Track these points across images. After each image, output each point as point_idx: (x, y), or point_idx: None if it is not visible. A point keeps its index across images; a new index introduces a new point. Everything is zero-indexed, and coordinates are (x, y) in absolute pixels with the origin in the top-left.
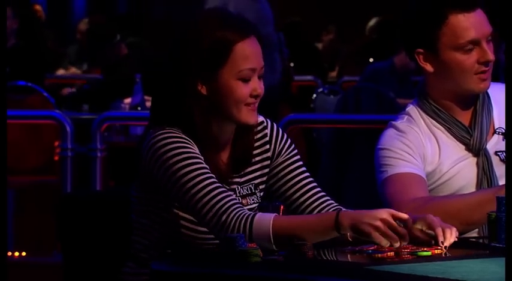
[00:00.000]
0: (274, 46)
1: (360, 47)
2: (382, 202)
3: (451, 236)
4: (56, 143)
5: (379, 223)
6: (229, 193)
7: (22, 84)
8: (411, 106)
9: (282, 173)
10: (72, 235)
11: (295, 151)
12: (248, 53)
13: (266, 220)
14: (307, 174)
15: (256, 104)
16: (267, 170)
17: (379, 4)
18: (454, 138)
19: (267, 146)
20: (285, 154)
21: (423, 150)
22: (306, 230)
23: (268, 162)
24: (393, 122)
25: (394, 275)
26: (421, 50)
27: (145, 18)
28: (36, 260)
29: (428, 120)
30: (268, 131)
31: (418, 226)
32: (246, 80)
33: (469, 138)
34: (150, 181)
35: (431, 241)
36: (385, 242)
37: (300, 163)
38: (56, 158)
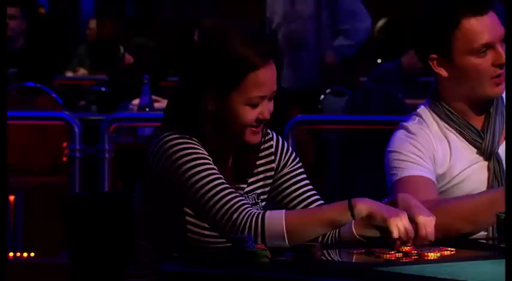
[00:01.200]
0: (299, 43)
1: (367, 48)
2: None
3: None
4: (65, 144)
5: (400, 214)
6: (238, 193)
7: (31, 85)
8: (422, 107)
9: (286, 185)
10: (79, 235)
11: (300, 163)
12: (261, 81)
13: (278, 215)
14: (310, 187)
15: (262, 126)
16: (270, 181)
17: (386, 4)
18: (465, 142)
19: (272, 158)
20: (290, 166)
21: (433, 152)
22: (319, 219)
23: (272, 173)
24: (404, 124)
25: (402, 276)
26: (435, 56)
27: (154, 18)
28: (44, 261)
29: (441, 122)
30: (273, 142)
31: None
32: (254, 105)
33: (481, 142)
34: (156, 183)
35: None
36: (396, 234)
37: (304, 175)
38: (64, 159)
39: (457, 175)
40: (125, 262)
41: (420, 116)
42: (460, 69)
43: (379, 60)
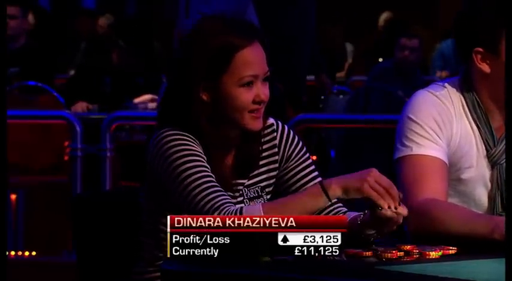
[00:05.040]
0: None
1: (369, 47)
2: (396, 177)
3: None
4: (66, 143)
5: (368, 177)
6: (223, 192)
7: (32, 85)
8: (448, 84)
9: (295, 179)
10: (85, 234)
11: (307, 154)
12: (250, 59)
13: (256, 210)
14: (319, 179)
15: (262, 110)
16: (274, 173)
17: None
18: (480, 138)
19: (275, 150)
20: (296, 159)
21: (452, 131)
22: (296, 208)
23: (276, 165)
24: (430, 89)
25: (403, 275)
26: (480, 50)
27: (155, 18)
28: (45, 260)
29: (466, 108)
30: (277, 134)
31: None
32: (248, 86)
33: (492, 148)
34: (155, 180)
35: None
36: (375, 196)
37: (312, 167)
38: (66, 158)
39: (462, 169)
40: (131, 260)
41: (448, 90)
42: (503, 68)
43: (380, 59)
